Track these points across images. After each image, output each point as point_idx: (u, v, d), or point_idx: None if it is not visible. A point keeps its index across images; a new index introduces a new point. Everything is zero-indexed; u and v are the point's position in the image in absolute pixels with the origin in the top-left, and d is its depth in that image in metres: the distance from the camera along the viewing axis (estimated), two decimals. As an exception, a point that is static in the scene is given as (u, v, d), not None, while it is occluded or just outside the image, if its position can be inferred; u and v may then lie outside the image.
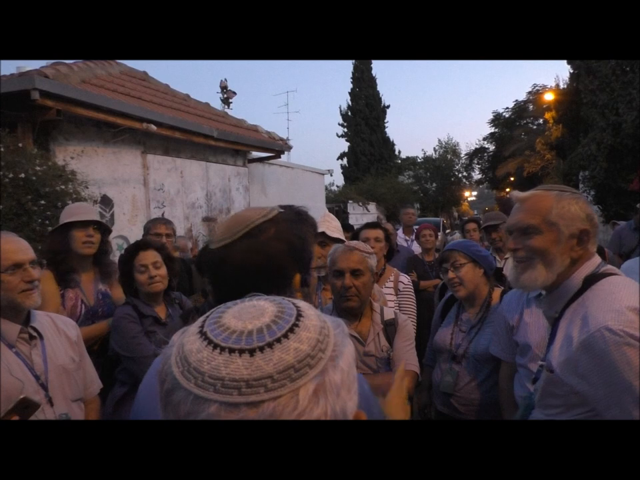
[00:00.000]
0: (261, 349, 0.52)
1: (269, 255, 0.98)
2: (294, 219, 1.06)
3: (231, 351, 0.52)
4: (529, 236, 1.41)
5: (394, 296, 3.25)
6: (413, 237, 6.10)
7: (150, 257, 2.51)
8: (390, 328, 2.25)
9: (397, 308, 3.15)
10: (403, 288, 3.31)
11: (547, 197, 1.42)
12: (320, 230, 2.68)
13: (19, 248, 1.85)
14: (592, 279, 1.38)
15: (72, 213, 2.81)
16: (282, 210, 1.07)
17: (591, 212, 1.42)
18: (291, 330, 0.54)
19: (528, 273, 1.42)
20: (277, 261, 0.99)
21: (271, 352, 0.52)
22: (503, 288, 2.66)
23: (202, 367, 0.52)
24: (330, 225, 2.98)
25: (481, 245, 4.85)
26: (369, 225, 3.79)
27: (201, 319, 0.59)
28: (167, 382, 0.54)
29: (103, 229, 2.88)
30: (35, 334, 1.88)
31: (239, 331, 0.54)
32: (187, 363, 0.53)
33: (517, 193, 1.49)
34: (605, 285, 1.35)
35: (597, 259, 1.43)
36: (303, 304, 0.60)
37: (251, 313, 0.56)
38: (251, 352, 0.51)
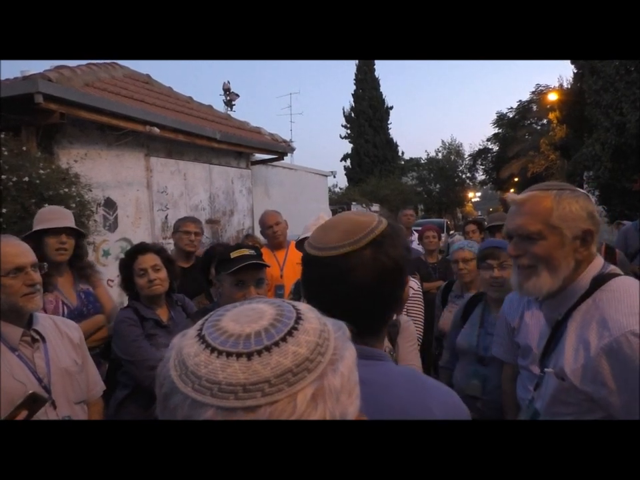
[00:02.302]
0: (259, 352, 0.51)
1: (396, 260, 0.95)
2: (398, 229, 1.04)
3: (228, 354, 0.51)
4: (532, 242, 1.33)
5: None
6: (413, 238, 6.08)
7: (148, 260, 2.52)
8: (392, 329, 2.24)
9: (404, 312, 3.12)
10: (413, 294, 3.26)
11: (545, 198, 1.34)
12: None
13: (20, 251, 1.85)
14: (600, 280, 1.32)
15: (45, 218, 2.74)
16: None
17: (593, 209, 1.35)
18: (290, 333, 0.53)
19: (532, 281, 1.35)
20: (401, 266, 0.97)
21: (269, 356, 0.51)
22: None
23: (199, 370, 0.51)
24: None
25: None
26: None
27: (200, 321, 0.58)
28: (164, 385, 0.54)
29: (78, 233, 2.82)
30: (37, 337, 1.88)
31: (236, 335, 0.53)
32: (185, 366, 0.52)
33: (512, 196, 1.42)
34: (615, 285, 1.30)
35: (601, 259, 1.38)
36: (303, 307, 0.59)
37: (250, 316, 0.56)
38: (249, 356, 0.51)
